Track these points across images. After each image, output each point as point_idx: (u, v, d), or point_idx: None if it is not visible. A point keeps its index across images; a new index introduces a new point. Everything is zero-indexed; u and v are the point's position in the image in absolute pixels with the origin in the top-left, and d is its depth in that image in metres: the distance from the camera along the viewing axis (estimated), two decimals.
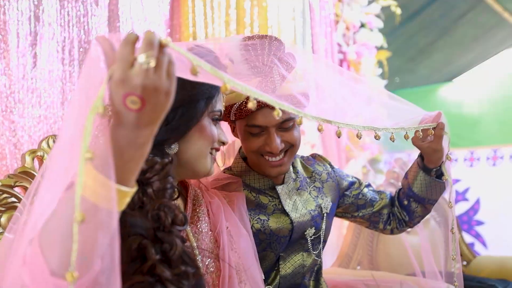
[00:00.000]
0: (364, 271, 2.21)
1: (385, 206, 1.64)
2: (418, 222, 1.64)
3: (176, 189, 1.02)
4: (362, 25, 3.49)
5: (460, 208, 4.22)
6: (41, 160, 1.28)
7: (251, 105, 0.77)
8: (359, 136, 1.13)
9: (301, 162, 1.57)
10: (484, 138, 4.17)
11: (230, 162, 1.55)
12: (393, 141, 1.24)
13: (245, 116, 1.30)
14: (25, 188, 1.23)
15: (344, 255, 2.38)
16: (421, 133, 1.35)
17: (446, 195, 1.52)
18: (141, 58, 0.62)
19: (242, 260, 1.15)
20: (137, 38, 0.64)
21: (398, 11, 3.56)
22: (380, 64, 3.63)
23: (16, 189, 1.24)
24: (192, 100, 0.99)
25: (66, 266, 0.62)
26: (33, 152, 1.28)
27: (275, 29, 2.91)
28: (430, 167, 1.49)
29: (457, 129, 4.26)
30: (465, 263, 2.66)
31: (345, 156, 3.40)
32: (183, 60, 0.73)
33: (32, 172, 1.26)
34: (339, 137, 1.05)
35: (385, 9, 3.67)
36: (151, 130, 0.67)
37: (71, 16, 1.97)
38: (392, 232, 1.67)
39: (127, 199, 0.70)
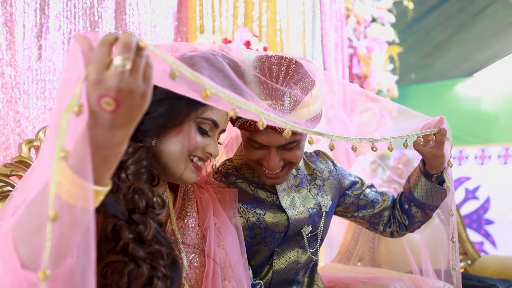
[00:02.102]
0: (359, 267, 2.21)
1: (386, 208, 1.62)
2: (419, 227, 1.62)
3: (156, 176, 1.02)
4: (373, 20, 3.46)
5: (470, 206, 4.18)
6: (37, 150, 1.31)
7: (233, 113, 0.76)
8: (354, 149, 1.11)
9: (303, 158, 1.56)
10: (496, 135, 4.11)
11: (232, 154, 1.54)
12: (391, 151, 1.23)
13: (249, 131, 1.27)
14: (21, 177, 1.26)
15: (345, 251, 2.37)
16: (422, 140, 1.33)
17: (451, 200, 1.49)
18: (116, 60, 0.62)
19: (229, 257, 1.15)
20: (115, 39, 0.63)
21: (411, 5, 3.52)
22: (391, 59, 3.59)
23: (13, 178, 1.26)
24: (172, 95, 0.96)
25: (36, 260, 0.64)
26: (29, 142, 1.30)
27: (284, 23, 2.90)
28: (432, 173, 1.47)
29: (470, 126, 4.21)
30: (469, 262, 2.65)
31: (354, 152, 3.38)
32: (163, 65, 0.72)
33: (29, 161, 1.28)
34: (332, 150, 1.03)
35: (399, 4, 3.63)
36: (126, 131, 0.68)
37: (77, 8, 1.99)
38: (392, 235, 1.66)
39: (101, 197, 0.70)
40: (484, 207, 4.10)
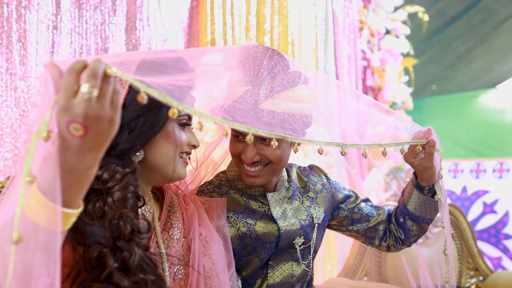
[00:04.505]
0: (361, 282, 2.19)
1: (381, 222, 1.62)
2: (415, 241, 1.62)
3: (141, 198, 1.03)
4: (388, 32, 3.45)
5: (488, 220, 4.10)
6: None
7: (198, 126, 0.82)
8: (320, 152, 1.13)
9: (297, 172, 1.58)
10: None
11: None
12: (365, 157, 1.24)
13: None
14: None
15: (351, 265, 2.36)
16: (405, 150, 1.34)
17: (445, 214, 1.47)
18: (84, 87, 0.65)
19: (215, 266, 1.16)
20: (83, 67, 0.66)
21: (426, 17, 3.50)
22: (406, 71, 3.57)
23: None
24: (154, 107, 0.99)
25: (6, 281, 0.66)
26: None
27: (296, 36, 2.92)
28: (423, 185, 1.48)
29: (490, 138, 4.14)
30: (481, 278, 2.59)
31: (367, 164, 3.37)
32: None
33: None
34: (295, 152, 1.06)
35: (417, 16, 3.61)
36: (95, 155, 0.70)
37: (89, 24, 2.06)
38: (388, 249, 1.66)
39: (72, 220, 0.74)
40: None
